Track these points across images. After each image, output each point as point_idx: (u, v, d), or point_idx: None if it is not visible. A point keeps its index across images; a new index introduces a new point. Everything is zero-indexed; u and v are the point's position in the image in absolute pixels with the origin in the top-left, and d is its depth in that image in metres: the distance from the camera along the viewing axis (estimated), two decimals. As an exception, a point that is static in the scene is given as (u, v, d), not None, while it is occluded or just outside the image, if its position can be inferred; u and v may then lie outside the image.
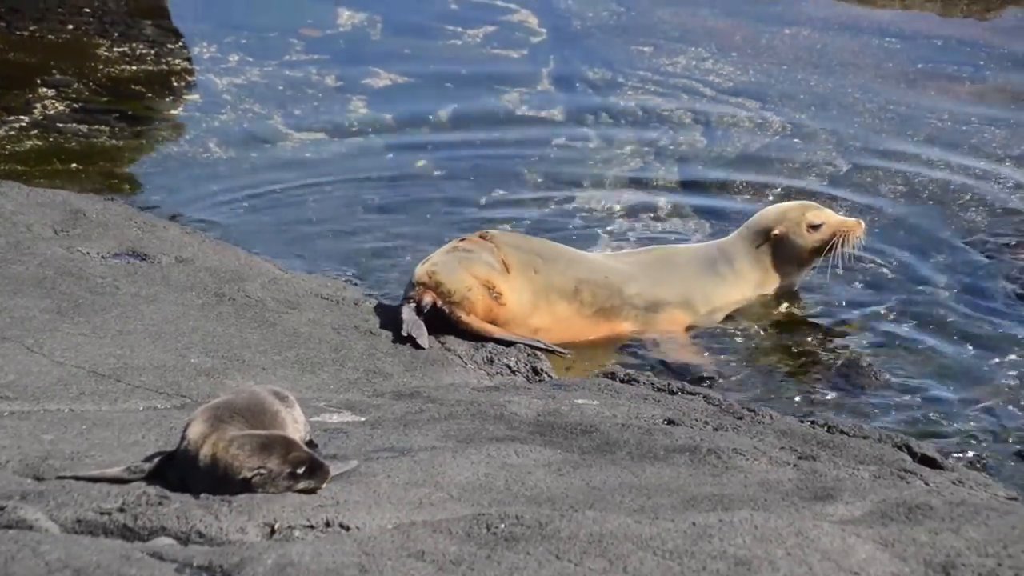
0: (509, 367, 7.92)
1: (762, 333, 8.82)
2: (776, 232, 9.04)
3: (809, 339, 8.75)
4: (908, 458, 6.61)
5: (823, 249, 9.03)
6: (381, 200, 10.70)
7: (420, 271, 8.29)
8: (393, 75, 13.20)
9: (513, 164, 11.37)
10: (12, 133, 11.37)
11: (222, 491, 5.31)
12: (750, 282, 9.04)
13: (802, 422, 7.20)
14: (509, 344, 8.11)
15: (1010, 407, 7.95)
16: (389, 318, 8.15)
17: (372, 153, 11.57)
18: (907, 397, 8.04)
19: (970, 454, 7.36)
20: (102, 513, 5.20)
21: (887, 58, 13.85)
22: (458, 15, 14.89)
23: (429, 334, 8.03)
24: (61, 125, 11.58)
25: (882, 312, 9.04)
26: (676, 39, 14.24)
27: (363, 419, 6.62)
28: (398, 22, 14.62)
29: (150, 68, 12.99)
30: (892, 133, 12.00)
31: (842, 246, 8.98)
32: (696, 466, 6.04)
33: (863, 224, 9.07)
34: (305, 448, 5.49)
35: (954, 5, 15.48)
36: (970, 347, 8.61)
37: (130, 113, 12.01)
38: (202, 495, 5.29)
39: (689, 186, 11.02)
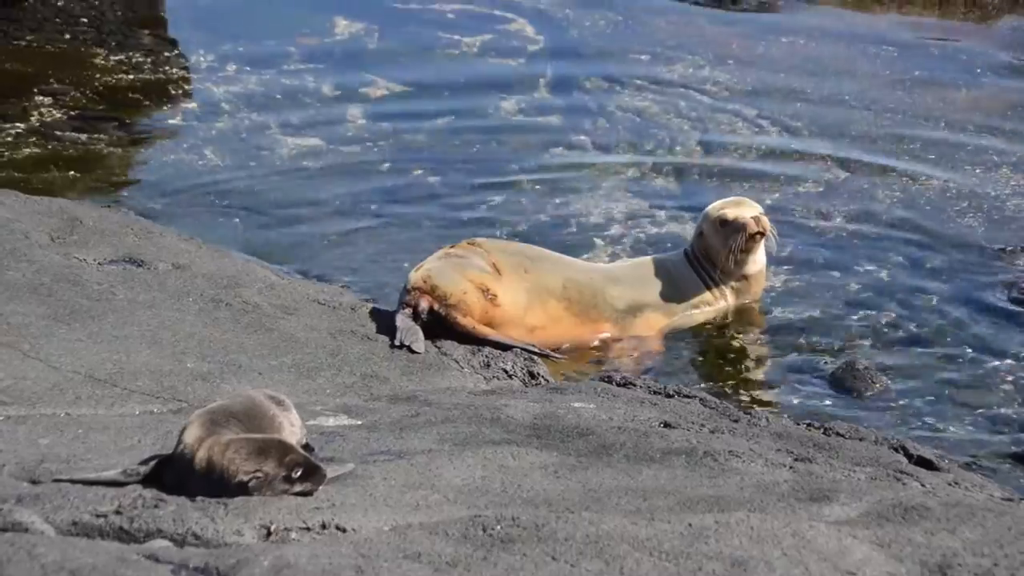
0: (505, 371, 7.93)
1: (758, 337, 8.82)
2: (702, 230, 8.98)
3: (804, 342, 8.76)
4: (904, 460, 6.61)
5: (736, 247, 8.77)
6: (378, 207, 10.71)
7: (415, 276, 8.31)
8: (390, 83, 13.22)
9: (510, 172, 11.38)
10: (9, 140, 11.38)
11: (218, 495, 5.29)
12: (706, 283, 8.96)
13: (798, 424, 7.19)
14: (505, 348, 8.14)
15: (1005, 410, 7.96)
16: (386, 323, 8.16)
17: (369, 161, 11.58)
18: (903, 400, 8.05)
19: (966, 456, 7.37)
20: (98, 516, 5.18)
21: (884, 66, 13.87)
22: (455, 24, 14.92)
23: (425, 339, 8.04)
24: (58, 133, 11.60)
25: (878, 316, 9.04)
26: (673, 47, 14.26)
27: (359, 423, 6.62)
28: (395, 31, 14.64)
29: (147, 77, 13.00)
30: (889, 140, 12.02)
31: (736, 245, 8.74)
32: (692, 468, 6.04)
33: (757, 223, 8.72)
34: (301, 451, 5.49)
35: (951, 13, 15.51)
36: (967, 350, 8.62)
37: (127, 121, 12.03)
38: (198, 497, 5.28)
39: (686, 193, 11.03)
